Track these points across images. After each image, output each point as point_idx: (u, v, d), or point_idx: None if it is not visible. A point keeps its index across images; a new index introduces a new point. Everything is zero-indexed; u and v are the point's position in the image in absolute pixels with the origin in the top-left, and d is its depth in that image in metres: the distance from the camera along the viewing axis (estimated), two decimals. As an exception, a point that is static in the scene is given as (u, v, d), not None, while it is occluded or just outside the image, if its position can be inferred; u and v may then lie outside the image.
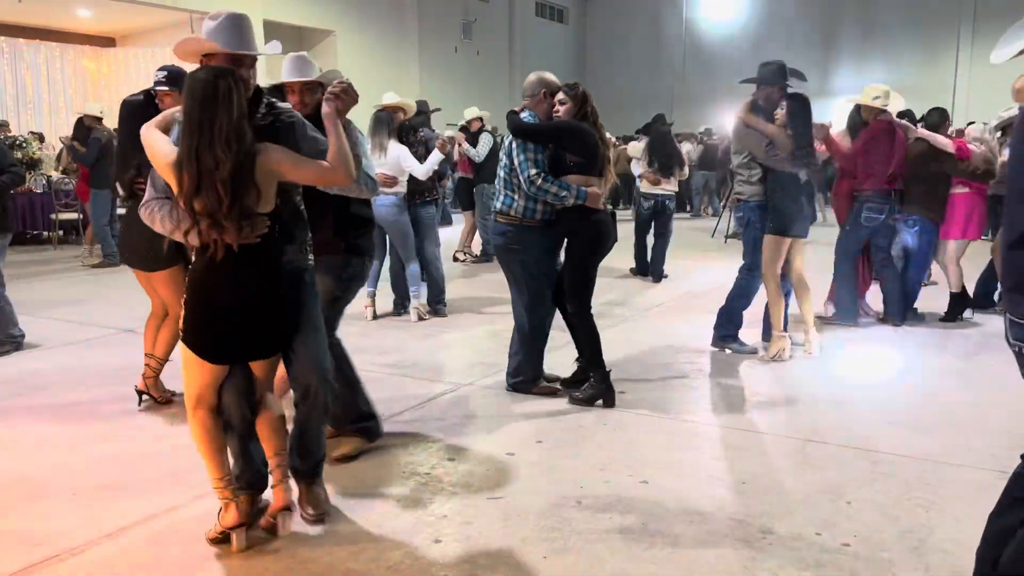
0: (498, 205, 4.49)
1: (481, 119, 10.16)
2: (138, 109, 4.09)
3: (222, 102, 2.49)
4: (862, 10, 25.05)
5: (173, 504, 3.18)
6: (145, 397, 4.39)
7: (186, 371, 2.77)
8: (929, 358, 5.51)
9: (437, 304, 6.93)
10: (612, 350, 5.15)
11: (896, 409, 4.36)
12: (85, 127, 9.67)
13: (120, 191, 4.21)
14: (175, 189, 2.58)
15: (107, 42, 17.96)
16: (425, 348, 5.78)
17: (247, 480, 3.01)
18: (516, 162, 4.32)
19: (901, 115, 6.52)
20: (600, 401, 4.39)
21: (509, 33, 26.09)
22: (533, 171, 4.26)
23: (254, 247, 2.62)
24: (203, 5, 16.08)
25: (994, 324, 6.44)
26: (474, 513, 3.13)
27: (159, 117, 2.78)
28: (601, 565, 2.73)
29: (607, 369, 4.43)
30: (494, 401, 4.53)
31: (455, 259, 10.17)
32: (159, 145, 2.63)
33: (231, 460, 2.92)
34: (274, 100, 2.96)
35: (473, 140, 9.83)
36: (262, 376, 2.88)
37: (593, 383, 4.42)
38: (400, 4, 21.46)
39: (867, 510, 3.11)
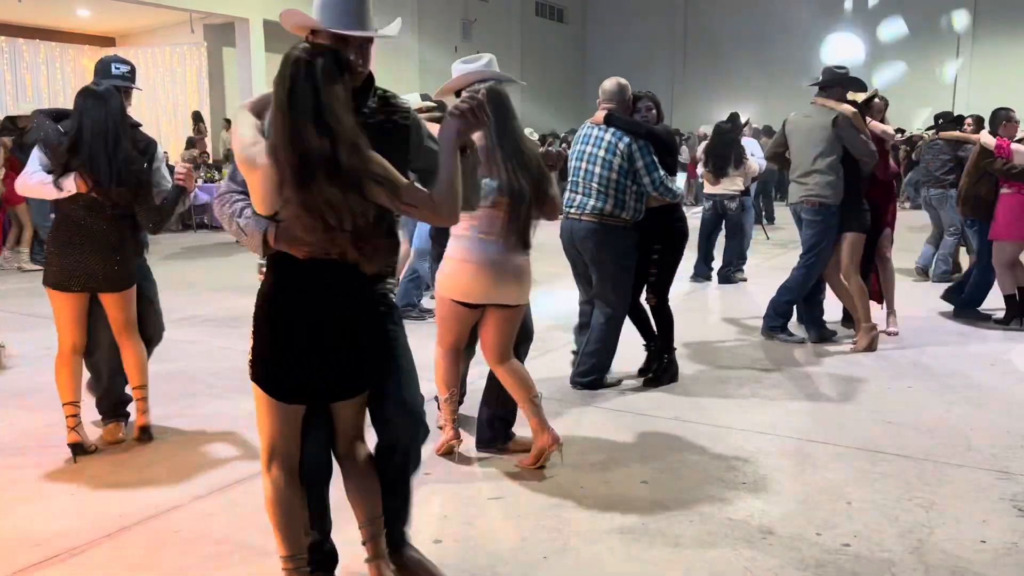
0: (599, 206, 4.53)
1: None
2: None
3: (322, 79, 2.10)
4: (862, 10, 25.03)
5: (174, 504, 3.18)
6: (86, 447, 3.69)
7: (258, 418, 2.30)
8: (933, 359, 5.51)
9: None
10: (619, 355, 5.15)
11: (896, 409, 4.36)
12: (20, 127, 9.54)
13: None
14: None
15: (107, 42, 17.95)
16: (425, 348, 5.76)
17: (321, 558, 2.50)
18: (643, 163, 4.47)
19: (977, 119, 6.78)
20: (668, 380, 4.82)
21: (509, 33, 26.08)
22: (662, 172, 4.49)
23: (342, 266, 2.17)
24: (203, 5, 16.08)
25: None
26: (474, 513, 3.13)
27: (256, 99, 2.39)
28: (601, 565, 2.73)
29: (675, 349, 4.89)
30: (494, 401, 4.52)
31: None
32: (243, 129, 2.26)
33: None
34: (391, 93, 2.49)
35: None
36: (349, 421, 2.38)
37: (666, 364, 4.83)
38: (400, 4, 21.44)
39: (867, 510, 3.11)
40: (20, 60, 16.21)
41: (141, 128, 3.90)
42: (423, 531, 2.97)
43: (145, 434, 3.83)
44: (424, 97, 7.39)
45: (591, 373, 4.73)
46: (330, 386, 2.26)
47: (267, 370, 2.22)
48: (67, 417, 3.65)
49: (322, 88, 2.08)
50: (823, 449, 3.78)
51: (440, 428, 3.72)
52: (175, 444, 3.84)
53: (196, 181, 6.35)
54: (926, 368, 5.23)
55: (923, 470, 3.52)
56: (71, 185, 3.46)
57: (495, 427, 3.75)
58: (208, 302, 7.41)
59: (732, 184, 8.47)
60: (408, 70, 21.28)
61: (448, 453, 3.65)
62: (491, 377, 3.67)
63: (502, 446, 3.74)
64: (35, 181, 3.54)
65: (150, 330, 3.96)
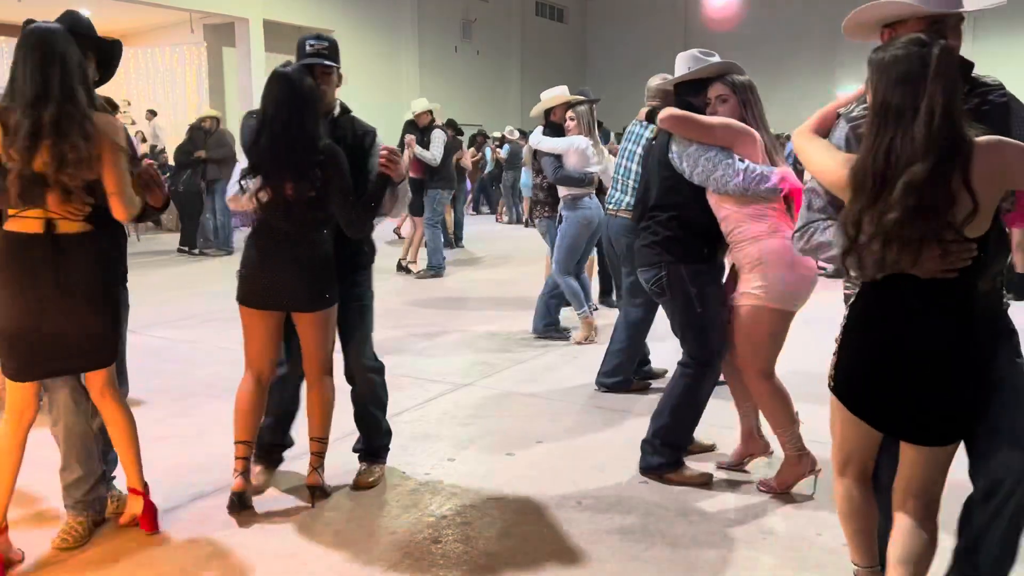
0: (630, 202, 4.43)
1: (431, 112, 8.72)
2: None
3: (936, 79, 1.84)
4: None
5: (174, 504, 3.18)
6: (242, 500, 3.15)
7: (832, 425, 2.19)
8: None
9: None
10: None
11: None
12: None
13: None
14: (849, 201, 1.97)
15: (107, 42, 17.96)
16: (425, 348, 5.77)
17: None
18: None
19: None
20: None
21: (509, 33, 26.09)
22: None
23: (945, 281, 1.90)
24: (203, 5, 16.09)
25: None
26: (474, 513, 3.13)
27: (820, 116, 2.23)
28: (601, 565, 2.73)
29: None
30: (494, 401, 4.53)
31: (399, 267, 9.14)
32: (823, 155, 2.10)
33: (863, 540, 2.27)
34: (978, 74, 2.20)
35: (423, 139, 8.51)
36: (922, 473, 2.09)
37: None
38: (400, 4, 21.44)
39: (867, 510, 3.11)
40: (20, 60, 16.19)
41: (349, 115, 3.32)
42: (423, 531, 2.97)
43: (316, 491, 3.20)
44: (582, 92, 6.96)
45: (616, 373, 4.63)
46: (918, 418, 2.01)
47: (850, 385, 2.09)
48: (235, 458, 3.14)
49: (942, 82, 1.84)
50: (823, 449, 3.76)
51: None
52: (175, 444, 3.84)
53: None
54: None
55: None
56: (255, 187, 2.96)
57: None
58: (208, 302, 7.41)
59: None
60: (408, 70, 21.27)
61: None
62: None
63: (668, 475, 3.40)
64: (230, 195, 3.10)
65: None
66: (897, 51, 1.90)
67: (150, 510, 2.93)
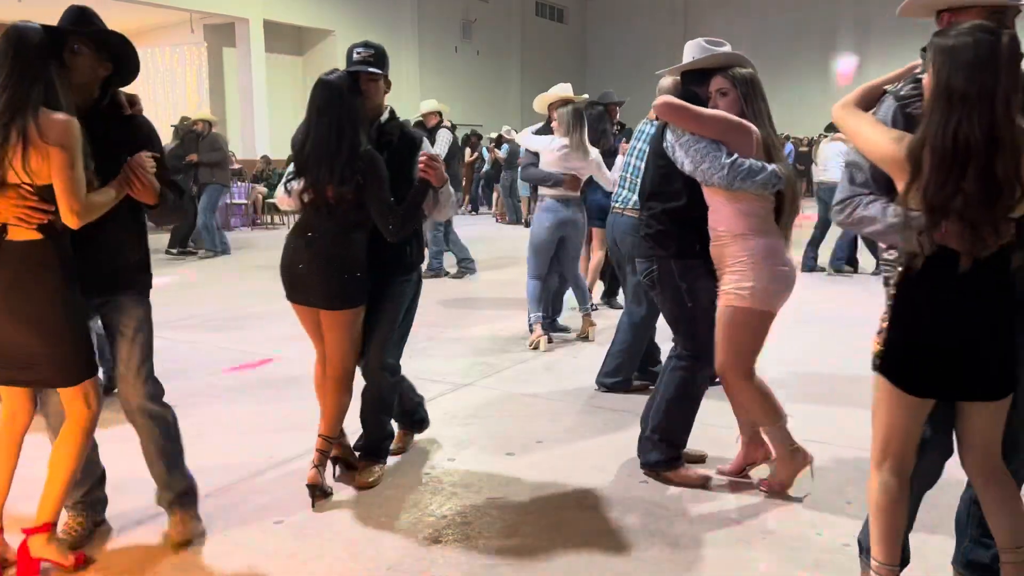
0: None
1: (440, 113, 8.75)
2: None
3: (1007, 67, 1.91)
4: (861, 11, 25.04)
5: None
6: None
7: (874, 413, 2.19)
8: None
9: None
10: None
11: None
12: None
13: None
14: (902, 181, 2.03)
15: (107, 42, 17.98)
16: (425, 348, 5.77)
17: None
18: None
19: None
20: None
21: (509, 33, 26.10)
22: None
23: (990, 256, 2.01)
24: (203, 5, 16.10)
25: None
26: (474, 513, 3.13)
27: (864, 90, 2.27)
28: (601, 565, 2.73)
29: None
30: (494, 401, 4.53)
31: None
32: (873, 130, 2.13)
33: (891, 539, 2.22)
34: None
35: (431, 138, 8.34)
36: (983, 433, 2.16)
37: None
38: (400, 4, 21.46)
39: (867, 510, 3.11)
40: (20, 60, 16.20)
41: (396, 121, 3.37)
42: (423, 531, 2.97)
43: (316, 491, 3.19)
44: (606, 94, 6.79)
45: (617, 374, 4.63)
46: (967, 381, 2.09)
47: (897, 359, 2.12)
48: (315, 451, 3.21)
49: (1011, 69, 1.91)
50: (823, 449, 3.77)
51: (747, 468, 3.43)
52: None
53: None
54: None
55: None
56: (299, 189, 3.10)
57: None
58: (208, 302, 7.41)
59: None
60: (408, 70, 21.28)
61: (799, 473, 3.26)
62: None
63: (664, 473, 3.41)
64: (279, 195, 3.31)
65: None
66: (965, 37, 1.95)
67: (24, 557, 2.59)
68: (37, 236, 2.45)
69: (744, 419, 3.35)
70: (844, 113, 2.25)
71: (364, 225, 3.12)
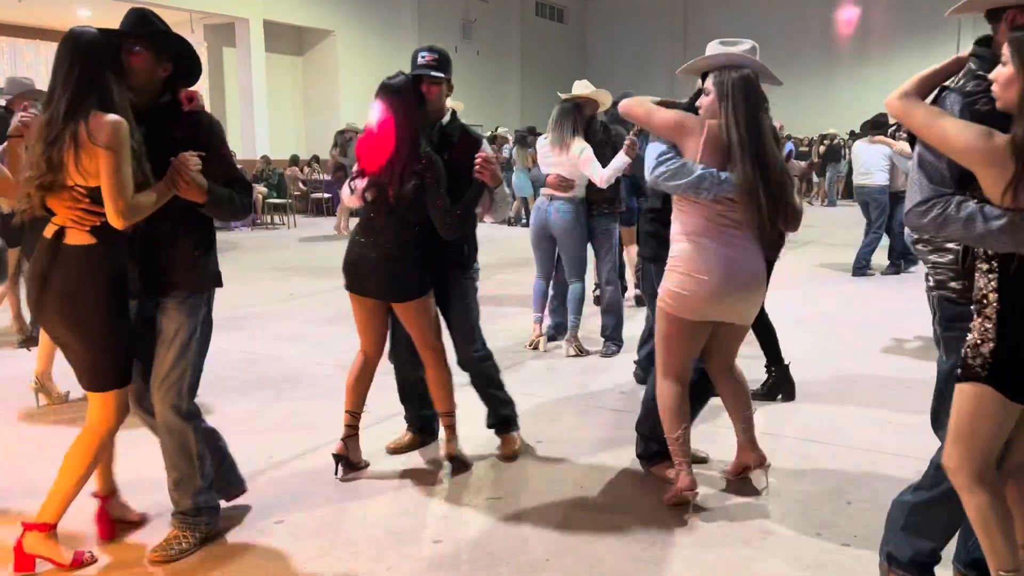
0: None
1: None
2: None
3: None
4: (861, 11, 25.06)
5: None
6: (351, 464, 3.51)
7: (968, 422, 2.10)
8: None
9: (611, 340, 5.57)
10: (622, 354, 5.13)
11: (896, 409, 4.35)
12: None
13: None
14: (996, 178, 1.96)
15: (107, 42, 17.98)
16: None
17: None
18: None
19: None
20: (780, 395, 4.52)
21: (509, 33, 26.10)
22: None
23: None
24: (203, 5, 16.10)
25: None
26: (474, 513, 3.13)
27: (920, 81, 2.17)
28: (601, 565, 2.74)
29: (786, 363, 4.54)
30: (494, 401, 4.53)
31: None
32: (955, 124, 2.02)
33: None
34: None
35: None
36: None
37: (774, 377, 4.53)
38: (400, 4, 21.46)
39: (867, 510, 3.11)
40: (20, 60, 16.22)
41: (458, 122, 3.50)
42: (423, 531, 2.98)
43: (454, 462, 3.54)
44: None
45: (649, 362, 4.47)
46: None
47: (1008, 371, 2.03)
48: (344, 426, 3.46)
49: None
50: (823, 449, 3.78)
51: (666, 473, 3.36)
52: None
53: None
54: (926, 368, 5.22)
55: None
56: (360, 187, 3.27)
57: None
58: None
59: None
60: (409, 70, 21.28)
61: (682, 503, 3.14)
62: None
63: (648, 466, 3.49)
64: (345, 194, 3.45)
65: None
66: None
67: (20, 554, 2.62)
68: (92, 240, 2.51)
69: (736, 426, 3.32)
70: (908, 105, 2.13)
71: (423, 223, 3.26)
